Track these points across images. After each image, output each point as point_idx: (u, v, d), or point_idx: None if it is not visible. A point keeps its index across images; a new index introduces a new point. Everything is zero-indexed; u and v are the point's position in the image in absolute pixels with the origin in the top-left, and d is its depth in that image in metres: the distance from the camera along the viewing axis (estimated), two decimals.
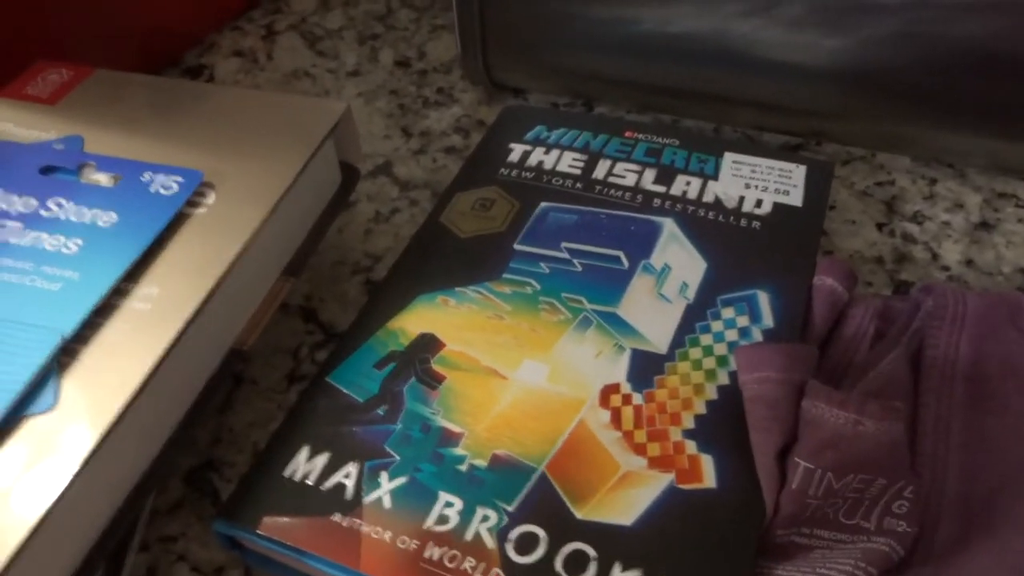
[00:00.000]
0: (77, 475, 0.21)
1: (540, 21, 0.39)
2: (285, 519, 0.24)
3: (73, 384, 0.23)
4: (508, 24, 0.39)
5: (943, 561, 0.24)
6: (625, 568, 0.23)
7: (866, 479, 0.24)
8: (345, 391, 0.28)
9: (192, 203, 0.28)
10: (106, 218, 0.27)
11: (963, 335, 0.28)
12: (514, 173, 0.35)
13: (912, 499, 0.24)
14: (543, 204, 0.34)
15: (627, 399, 0.27)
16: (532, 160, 0.36)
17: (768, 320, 0.29)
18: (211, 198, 0.28)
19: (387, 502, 0.25)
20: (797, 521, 0.24)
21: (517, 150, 0.37)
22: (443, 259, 0.32)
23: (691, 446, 0.26)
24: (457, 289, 0.31)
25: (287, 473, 0.26)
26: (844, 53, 0.34)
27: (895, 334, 0.29)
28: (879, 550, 0.23)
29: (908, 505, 0.24)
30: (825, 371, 0.29)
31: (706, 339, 0.29)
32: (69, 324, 0.23)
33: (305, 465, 0.26)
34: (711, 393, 0.27)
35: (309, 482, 0.25)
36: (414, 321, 0.30)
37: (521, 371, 0.28)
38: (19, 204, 0.27)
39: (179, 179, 0.28)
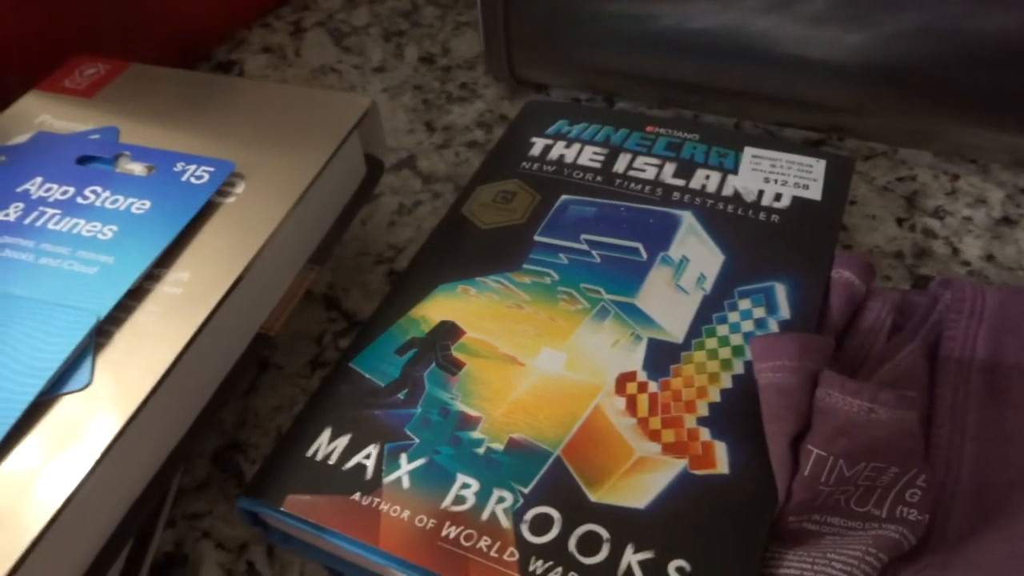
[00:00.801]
0: (108, 451, 0.22)
1: (562, 18, 0.39)
2: (307, 497, 0.25)
3: (107, 364, 0.24)
4: (531, 21, 0.40)
5: (955, 550, 0.24)
6: (637, 550, 0.24)
7: (878, 467, 0.24)
8: (367, 376, 0.29)
9: (222, 192, 0.29)
10: (140, 206, 0.28)
11: (981, 328, 0.28)
12: (535, 166, 0.36)
13: (924, 488, 0.24)
14: (563, 197, 0.34)
15: (643, 387, 0.28)
16: (553, 154, 0.37)
17: (785, 312, 0.29)
18: (240, 188, 0.29)
19: (406, 483, 0.25)
20: (809, 508, 0.24)
21: (539, 144, 0.37)
22: (464, 250, 0.33)
23: (705, 433, 0.26)
24: (478, 279, 0.31)
25: (310, 453, 0.26)
26: (866, 48, 0.35)
27: (913, 327, 0.30)
28: (889, 537, 0.23)
29: (920, 494, 0.24)
30: (842, 363, 0.29)
31: (722, 329, 0.29)
32: (104, 306, 0.25)
33: (327, 446, 0.27)
34: (726, 382, 0.27)
35: (331, 462, 0.26)
36: (435, 309, 0.30)
37: (539, 359, 0.29)
38: (57, 192, 0.28)
39: (210, 169, 0.29)
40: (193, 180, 0.29)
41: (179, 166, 0.29)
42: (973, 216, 0.36)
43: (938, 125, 0.37)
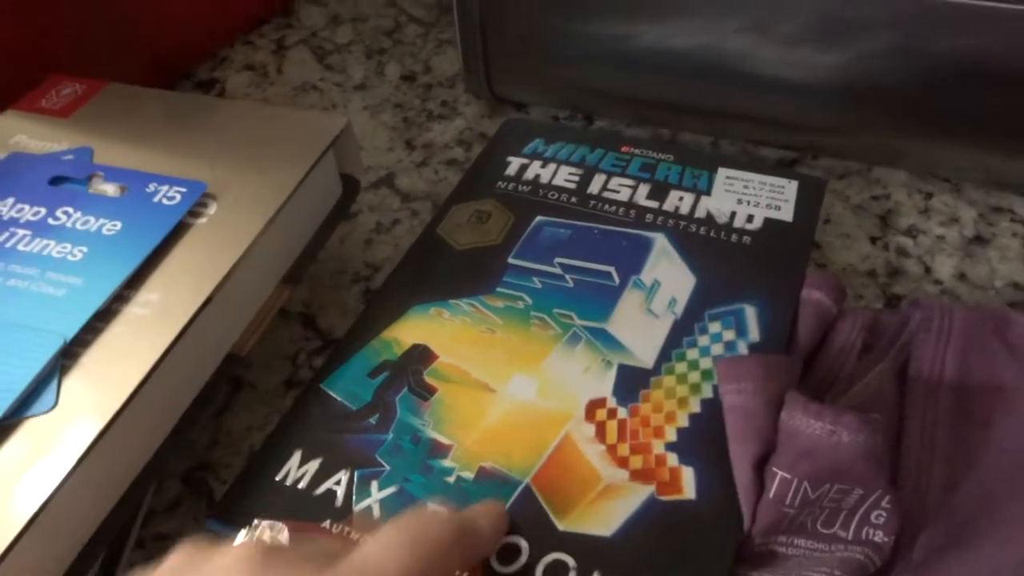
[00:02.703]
0: (72, 473, 0.22)
1: (541, 36, 0.39)
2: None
3: (74, 385, 0.23)
4: (509, 39, 0.40)
5: (923, 570, 0.24)
6: None
7: (843, 489, 0.24)
8: (338, 398, 0.28)
9: (194, 213, 0.28)
10: (111, 227, 0.28)
11: (949, 348, 0.29)
12: (511, 186, 0.36)
13: (890, 509, 0.24)
14: (538, 218, 0.34)
15: (612, 413, 0.27)
16: (529, 174, 0.36)
17: (754, 334, 0.29)
18: (212, 208, 0.29)
19: (376, 511, 0.25)
20: (775, 530, 0.24)
21: (515, 163, 0.37)
22: (439, 270, 0.33)
23: (672, 458, 0.26)
24: (451, 301, 0.31)
25: (279, 477, 0.26)
26: (840, 68, 0.35)
27: (883, 347, 0.30)
28: (854, 559, 0.23)
29: (886, 516, 0.24)
30: (812, 384, 0.29)
31: (692, 353, 0.29)
32: (71, 328, 0.24)
33: (297, 470, 0.26)
34: (695, 407, 0.27)
35: (301, 487, 0.26)
36: (408, 331, 0.30)
37: (511, 385, 0.28)
38: (29, 213, 0.28)
39: (182, 190, 0.29)
40: (165, 201, 0.29)
41: (151, 187, 0.29)
42: (946, 235, 0.36)
43: (912, 144, 0.37)
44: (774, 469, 0.24)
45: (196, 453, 0.30)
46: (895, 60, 0.34)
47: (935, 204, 0.37)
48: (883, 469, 0.24)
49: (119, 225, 0.28)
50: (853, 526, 0.24)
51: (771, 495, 0.24)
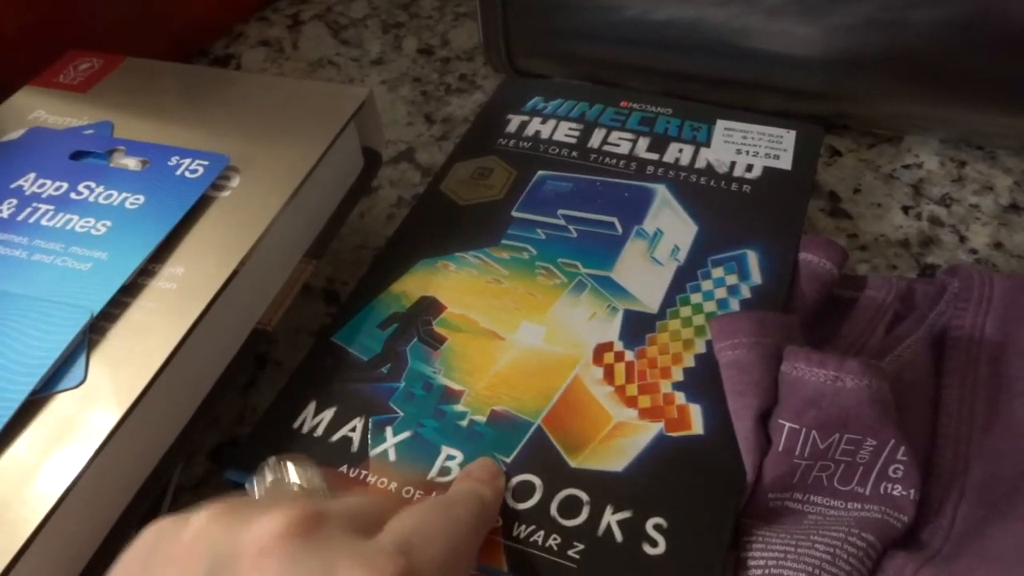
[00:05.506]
0: (103, 448, 0.21)
1: (561, 9, 0.38)
2: None
3: (101, 360, 0.23)
4: (530, 12, 0.39)
5: (962, 541, 0.23)
6: (616, 510, 0.23)
7: (854, 439, 0.23)
8: (350, 350, 0.28)
9: (217, 186, 0.28)
10: (134, 200, 0.27)
11: (989, 317, 0.28)
12: (512, 143, 0.35)
13: (907, 462, 0.23)
14: (540, 172, 0.33)
15: (619, 356, 0.27)
16: (529, 130, 0.35)
17: (756, 278, 0.29)
18: (235, 181, 0.28)
19: (392, 455, 0.25)
20: (789, 485, 0.23)
21: (514, 121, 0.36)
22: (443, 226, 0.32)
23: (680, 397, 0.26)
24: (457, 254, 0.31)
25: (296, 426, 0.26)
26: (871, 36, 0.34)
27: (917, 316, 0.29)
28: (872, 517, 0.23)
29: (903, 469, 0.23)
30: (840, 349, 0.28)
31: (696, 298, 0.28)
32: (98, 302, 0.24)
33: (312, 419, 0.26)
34: (700, 347, 0.27)
35: (317, 435, 0.25)
36: (416, 284, 0.30)
37: (519, 333, 0.28)
38: (51, 188, 0.28)
39: (205, 163, 0.28)
40: (187, 174, 0.28)
41: (173, 160, 0.29)
42: (980, 203, 0.35)
43: (945, 111, 0.35)
44: (780, 421, 0.23)
45: (223, 429, 0.30)
46: (926, 25, 0.33)
47: (969, 172, 0.36)
48: (891, 417, 0.23)
49: (142, 199, 0.27)
50: (871, 482, 0.23)
51: (780, 448, 0.23)
